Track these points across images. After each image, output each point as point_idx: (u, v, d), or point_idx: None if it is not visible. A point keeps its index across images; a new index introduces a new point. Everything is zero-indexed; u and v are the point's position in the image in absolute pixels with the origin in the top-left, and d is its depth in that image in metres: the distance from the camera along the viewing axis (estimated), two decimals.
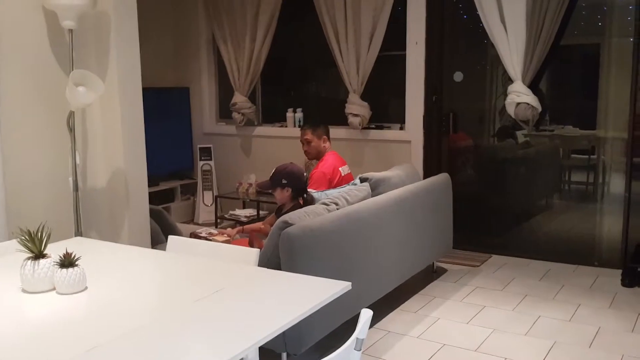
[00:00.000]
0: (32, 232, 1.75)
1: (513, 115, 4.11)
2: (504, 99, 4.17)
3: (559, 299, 3.58)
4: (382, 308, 3.39)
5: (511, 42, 4.02)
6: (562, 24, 3.99)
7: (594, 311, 3.37)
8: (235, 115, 5.48)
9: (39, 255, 1.74)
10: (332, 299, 1.66)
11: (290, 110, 5.36)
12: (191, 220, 5.69)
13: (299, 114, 5.33)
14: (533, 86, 4.08)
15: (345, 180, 3.98)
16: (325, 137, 4.19)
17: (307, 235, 2.63)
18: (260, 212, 5.18)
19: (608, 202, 4.40)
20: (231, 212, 5.24)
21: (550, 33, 3.97)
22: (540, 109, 4.08)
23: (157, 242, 3.27)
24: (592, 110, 4.29)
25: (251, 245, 3.08)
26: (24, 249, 1.75)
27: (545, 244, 4.52)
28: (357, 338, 1.41)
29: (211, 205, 5.62)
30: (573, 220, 4.66)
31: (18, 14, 2.80)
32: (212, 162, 5.68)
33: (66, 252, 1.73)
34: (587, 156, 4.53)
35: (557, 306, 3.46)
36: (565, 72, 4.54)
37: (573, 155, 4.70)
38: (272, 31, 5.16)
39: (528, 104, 4.01)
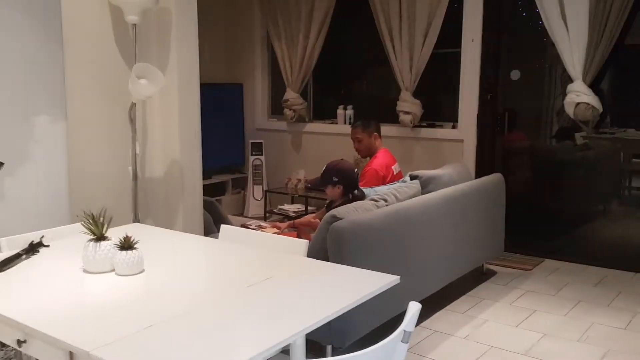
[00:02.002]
0: (94, 215, 1.84)
1: (572, 116, 3.98)
2: (563, 99, 4.05)
3: (614, 306, 3.45)
4: (430, 307, 3.37)
5: (572, 40, 3.90)
6: (626, 23, 3.84)
7: None
8: (286, 111, 5.55)
9: (100, 237, 1.83)
10: (380, 291, 1.67)
11: (341, 107, 5.38)
12: (241, 213, 5.81)
13: (350, 111, 5.34)
14: (594, 86, 3.94)
15: (397, 178, 3.97)
16: (376, 134, 4.18)
17: (355, 230, 2.64)
18: (309, 207, 5.23)
19: None
20: (280, 206, 5.32)
21: (613, 32, 3.82)
22: (601, 110, 3.94)
23: (209, 232, 3.35)
24: None
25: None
26: (87, 231, 1.84)
27: (602, 249, 4.35)
28: (404, 330, 1.42)
29: (260, 199, 5.72)
30: (632, 226, 4.48)
31: (85, 9, 2.94)
32: (262, 157, 5.77)
33: (126, 235, 1.81)
34: None
35: (612, 313, 3.33)
36: (630, 73, 4.36)
37: (634, 160, 4.51)
38: (325, 28, 5.20)
39: (588, 104, 3.88)
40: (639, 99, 4.36)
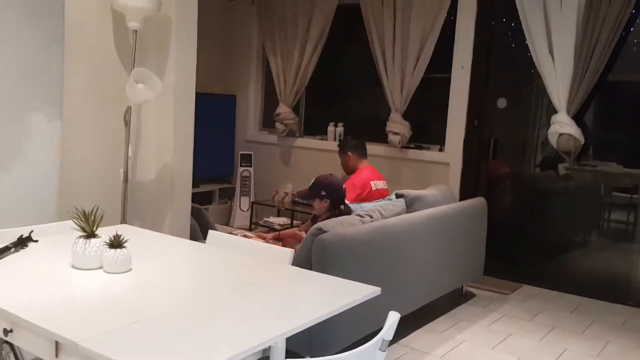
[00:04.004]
0: (86, 212, 1.88)
1: (555, 146, 4.10)
2: (547, 129, 4.17)
3: (588, 334, 3.53)
4: (408, 325, 3.42)
5: (558, 72, 4.03)
6: (611, 59, 3.98)
7: (623, 350, 3.31)
8: (278, 125, 5.62)
9: (90, 234, 1.86)
10: (361, 301, 1.72)
11: (331, 124, 5.46)
12: (227, 223, 5.83)
13: (340, 129, 5.42)
14: (578, 118, 4.07)
15: (378, 194, 4.05)
16: (350, 152, 4.28)
17: (340, 243, 2.70)
18: (295, 221, 5.27)
19: None
20: (265, 219, 5.35)
21: (598, 66, 3.96)
22: (583, 141, 4.06)
23: (196, 238, 3.38)
24: (638, 148, 4.23)
25: None
26: (78, 227, 1.87)
27: (579, 278, 4.45)
28: (382, 339, 1.47)
29: (247, 210, 5.75)
30: (610, 257, 4.58)
31: (88, 12, 3.00)
32: (251, 169, 5.82)
33: (116, 234, 1.84)
34: (629, 195, 4.45)
35: (585, 341, 3.41)
36: (614, 108, 4.50)
37: (614, 193, 4.63)
38: (320, 46, 5.30)
39: (571, 135, 4.00)
40: (620, 133, 4.49)
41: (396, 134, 4.80)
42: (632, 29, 4.06)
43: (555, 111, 4.11)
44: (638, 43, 4.22)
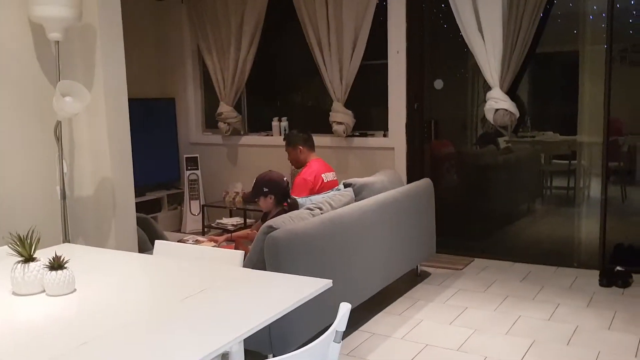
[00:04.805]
0: (22, 236, 1.80)
1: (492, 121, 4.22)
2: (484, 106, 4.28)
3: (539, 299, 3.67)
4: (367, 310, 3.46)
5: (488, 49, 4.15)
6: (537, 32, 4.12)
7: (573, 310, 3.47)
8: (221, 125, 5.55)
9: (28, 258, 1.79)
10: (314, 295, 1.72)
11: (275, 119, 5.44)
12: (178, 229, 5.73)
13: (285, 123, 5.41)
14: (511, 93, 4.20)
15: (329, 186, 4.06)
16: (300, 146, 4.27)
17: (292, 239, 2.70)
18: (247, 220, 5.24)
19: (587, 205, 4.51)
20: (218, 221, 5.29)
21: (526, 40, 4.09)
22: (518, 115, 4.20)
23: (145, 249, 3.31)
24: (572, 116, 4.41)
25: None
26: (14, 252, 1.80)
27: (526, 247, 4.62)
28: (336, 330, 1.48)
29: (198, 214, 5.66)
30: (553, 223, 4.77)
31: (3, 27, 2.85)
32: (198, 172, 5.73)
33: (55, 255, 1.78)
34: (567, 161, 4.64)
35: (536, 306, 3.55)
36: (545, 80, 4.67)
37: (554, 161, 4.82)
38: (256, 41, 5.25)
39: (506, 110, 4.13)
40: (554, 103, 4.67)
41: (340, 123, 4.83)
42: (555, 0, 4.22)
43: (490, 88, 4.23)
44: (562, 14, 4.39)
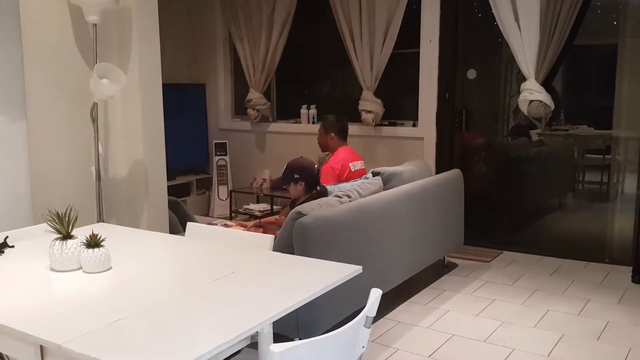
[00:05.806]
0: (60, 214, 1.85)
1: (526, 113, 4.15)
2: (518, 97, 4.21)
3: (568, 294, 3.62)
4: (393, 300, 3.46)
5: (524, 39, 4.06)
6: (576, 23, 4.02)
7: (603, 306, 3.41)
8: (250, 111, 5.57)
9: (66, 236, 1.84)
10: (343, 281, 1.73)
11: (304, 106, 5.44)
12: (206, 214, 5.80)
13: (313, 111, 5.40)
14: (547, 84, 4.12)
15: (357, 174, 4.05)
16: (332, 135, 4.25)
17: (320, 225, 2.71)
18: (274, 206, 5.27)
19: (621, 201, 4.42)
20: (245, 206, 5.33)
21: (563, 32, 4.00)
22: (553, 107, 4.12)
23: (175, 231, 3.36)
24: (608, 110, 4.30)
25: None
26: (53, 230, 1.85)
27: (556, 241, 4.55)
28: (366, 316, 1.48)
29: (226, 199, 5.72)
30: (585, 218, 4.68)
31: (44, 9, 2.91)
32: (227, 158, 5.78)
33: (92, 233, 1.82)
34: (601, 156, 4.54)
35: (566, 301, 3.50)
36: (582, 72, 4.56)
37: (587, 155, 4.72)
38: (287, 29, 5.25)
39: (541, 101, 4.05)
40: (589, 97, 4.56)
41: (369, 112, 4.80)
42: None
43: (524, 79, 4.15)
44: (601, 6, 4.27)
